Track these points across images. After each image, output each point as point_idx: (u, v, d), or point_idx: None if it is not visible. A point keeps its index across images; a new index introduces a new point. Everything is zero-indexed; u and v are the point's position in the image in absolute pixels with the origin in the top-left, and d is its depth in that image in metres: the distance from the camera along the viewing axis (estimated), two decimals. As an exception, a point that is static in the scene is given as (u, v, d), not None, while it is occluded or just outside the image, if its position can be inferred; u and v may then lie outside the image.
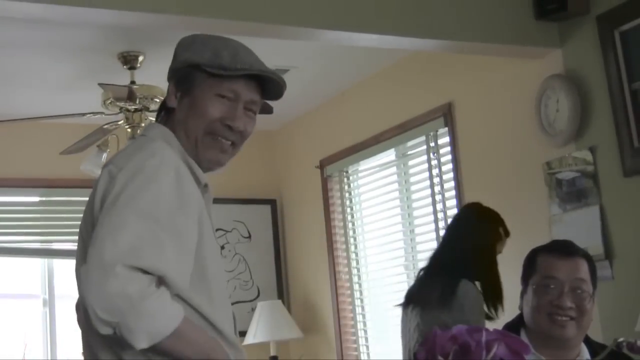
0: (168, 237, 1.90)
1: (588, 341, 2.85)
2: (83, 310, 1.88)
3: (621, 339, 1.69)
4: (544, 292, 2.74)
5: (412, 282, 5.65)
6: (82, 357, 2.10)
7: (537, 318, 2.74)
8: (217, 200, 7.47)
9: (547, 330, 2.72)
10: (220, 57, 2.18)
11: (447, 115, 5.24)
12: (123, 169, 1.99)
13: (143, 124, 5.18)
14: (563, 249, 2.86)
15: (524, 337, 2.74)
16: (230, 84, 2.18)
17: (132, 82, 5.15)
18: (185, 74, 2.19)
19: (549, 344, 2.72)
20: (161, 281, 1.87)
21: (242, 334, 6.31)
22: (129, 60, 5.18)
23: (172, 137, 2.16)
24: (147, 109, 5.14)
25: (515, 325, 2.83)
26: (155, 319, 1.83)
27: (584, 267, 2.79)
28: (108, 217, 1.91)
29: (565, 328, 2.70)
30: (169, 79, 2.24)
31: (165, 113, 2.23)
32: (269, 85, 2.29)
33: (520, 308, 2.87)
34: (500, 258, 4.82)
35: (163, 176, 1.98)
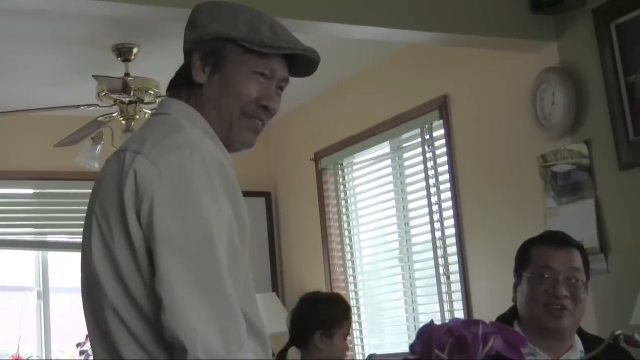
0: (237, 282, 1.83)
1: (581, 333, 2.85)
2: None
3: (618, 332, 1.68)
4: (539, 282, 2.75)
5: (407, 275, 5.69)
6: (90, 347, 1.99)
7: (533, 308, 2.75)
8: (212, 193, 7.35)
9: (543, 320, 2.72)
10: (260, 32, 2.01)
11: (442, 108, 5.24)
12: (162, 172, 1.80)
13: (137, 117, 5.18)
14: (557, 239, 2.87)
15: (517, 329, 2.74)
16: (268, 61, 2.04)
17: (127, 75, 5.14)
18: (216, 48, 2.00)
19: (543, 335, 2.72)
20: None
21: (237, 326, 6.31)
22: (123, 53, 5.17)
23: (198, 116, 1.98)
24: (142, 102, 5.13)
25: (509, 317, 2.83)
26: None
27: (578, 258, 2.80)
28: (186, 277, 1.75)
29: (561, 319, 2.71)
30: (190, 50, 2.02)
31: (187, 88, 2.02)
32: (297, 63, 2.18)
33: (514, 300, 2.87)
34: (496, 251, 4.84)
35: (218, 193, 1.84)
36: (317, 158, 6.44)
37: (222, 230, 1.81)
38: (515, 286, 2.87)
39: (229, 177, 1.89)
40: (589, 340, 2.83)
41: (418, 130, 5.49)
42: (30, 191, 6.56)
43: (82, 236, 1.97)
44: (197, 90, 2.01)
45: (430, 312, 5.42)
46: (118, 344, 1.83)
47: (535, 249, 2.83)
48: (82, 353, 5.84)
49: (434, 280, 5.33)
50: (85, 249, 1.92)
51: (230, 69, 2.01)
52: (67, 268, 6.44)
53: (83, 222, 1.98)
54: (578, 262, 2.79)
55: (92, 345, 1.94)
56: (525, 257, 2.85)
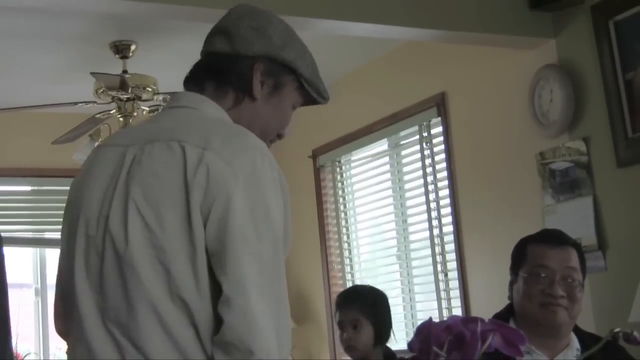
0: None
1: (577, 331, 2.85)
2: None
3: (617, 330, 1.68)
4: (535, 281, 2.74)
5: (404, 272, 5.69)
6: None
7: (529, 307, 2.75)
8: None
9: (539, 318, 2.72)
10: (319, 79, 2.11)
11: (440, 105, 5.23)
12: (237, 172, 1.78)
13: (135, 114, 5.17)
14: (553, 238, 2.87)
15: (513, 327, 2.74)
16: (301, 97, 2.13)
17: (125, 72, 5.14)
18: (280, 72, 2.03)
19: (539, 333, 2.72)
20: None
21: (235, 324, 6.31)
22: (121, 50, 5.17)
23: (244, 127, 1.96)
24: (140, 98, 5.12)
25: (504, 315, 2.83)
26: None
27: (574, 256, 2.80)
28: (259, 280, 1.78)
29: (557, 315, 2.71)
30: (254, 58, 2.01)
31: (234, 93, 2.00)
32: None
33: (510, 298, 2.87)
34: (493, 248, 4.84)
35: (280, 200, 1.87)
36: (315, 155, 6.43)
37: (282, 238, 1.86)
38: (511, 284, 2.87)
39: (285, 185, 1.91)
40: (585, 338, 2.83)
41: (416, 128, 5.48)
42: (28, 188, 6.56)
43: (86, 220, 1.89)
44: (247, 100, 2.02)
45: (428, 310, 5.43)
46: (145, 340, 1.78)
47: (531, 247, 2.83)
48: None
49: (432, 278, 5.33)
50: (112, 233, 1.83)
51: (284, 96, 2.06)
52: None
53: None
54: (574, 261, 2.79)
55: (87, 338, 1.84)
56: (521, 255, 2.85)
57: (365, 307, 3.58)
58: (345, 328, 3.58)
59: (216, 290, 1.76)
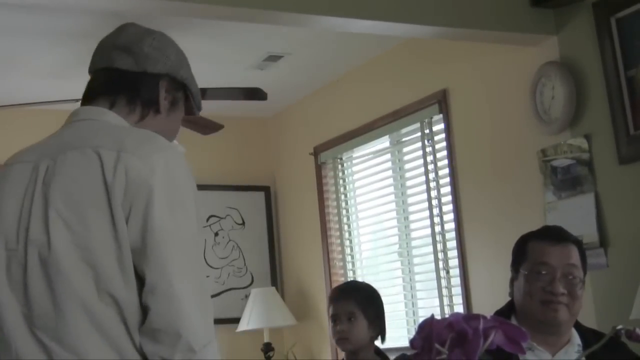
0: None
1: (578, 327, 2.85)
2: None
3: (619, 327, 1.68)
4: (535, 279, 2.74)
5: (406, 269, 5.68)
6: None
7: (530, 304, 2.74)
8: (210, 187, 7.47)
9: (540, 316, 2.72)
10: (198, 94, 2.25)
11: (441, 102, 5.23)
12: (154, 170, 1.89)
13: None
14: (554, 235, 2.86)
15: (514, 324, 2.74)
16: (185, 110, 2.25)
17: (126, 68, 5.13)
18: (177, 88, 2.18)
19: (540, 330, 2.72)
20: None
21: (236, 321, 6.32)
22: (122, 47, 5.16)
23: None
24: (140, 95, 5.12)
25: (506, 312, 2.83)
26: None
27: (575, 253, 2.79)
28: (181, 268, 1.87)
29: (558, 312, 2.71)
30: (159, 76, 2.14)
31: (141, 106, 2.13)
32: None
33: (511, 295, 2.86)
34: (495, 245, 4.84)
35: (194, 194, 1.99)
36: (316, 152, 6.43)
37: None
38: (512, 281, 2.87)
39: (195, 184, 2.01)
40: (587, 335, 2.83)
41: (417, 125, 5.48)
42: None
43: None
44: (151, 114, 2.14)
45: (430, 307, 5.42)
46: (75, 339, 1.85)
47: (531, 244, 2.82)
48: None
49: (433, 275, 5.33)
50: (34, 241, 1.90)
51: (179, 110, 2.20)
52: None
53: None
54: (575, 258, 2.78)
55: (15, 349, 1.89)
56: (521, 252, 2.84)
57: (363, 301, 3.59)
58: (340, 320, 3.58)
59: (139, 283, 1.85)
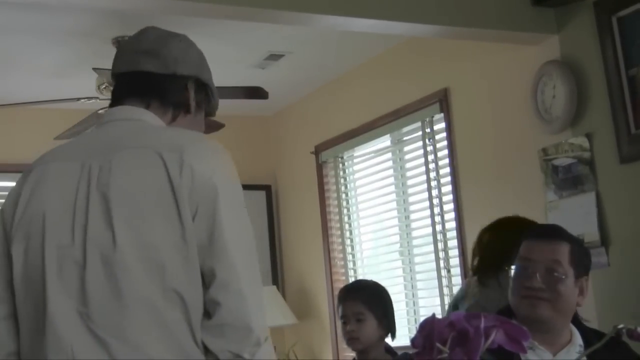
0: None
1: (580, 327, 2.84)
2: None
3: (621, 326, 1.67)
4: (518, 275, 2.74)
5: (407, 268, 5.68)
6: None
7: (513, 301, 2.74)
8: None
9: (521, 311, 2.71)
10: (217, 95, 2.30)
11: (442, 101, 5.23)
12: (216, 171, 1.98)
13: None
14: (543, 232, 2.85)
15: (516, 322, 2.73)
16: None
17: (127, 67, 5.13)
18: (201, 89, 2.23)
19: (531, 329, 2.70)
20: None
21: (237, 319, 6.31)
22: (123, 45, 5.16)
23: None
24: (142, 94, 5.12)
25: (506, 312, 2.82)
26: None
27: (562, 250, 2.74)
28: (247, 264, 1.96)
29: (536, 308, 2.68)
30: (187, 77, 2.19)
31: (174, 108, 2.18)
32: None
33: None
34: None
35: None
36: (317, 151, 6.43)
37: None
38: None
39: None
40: (588, 334, 2.82)
41: (418, 124, 5.48)
42: (30, 184, 6.56)
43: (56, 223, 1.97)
44: (181, 115, 2.20)
45: (431, 306, 5.43)
46: (139, 335, 1.87)
47: (523, 242, 2.81)
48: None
49: (434, 274, 5.33)
50: (95, 239, 1.91)
51: (202, 111, 2.26)
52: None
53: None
54: (560, 254, 2.74)
55: (66, 346, 1.89)
56: (516, 251, 2.84)
57: (370, 300, 3.59)
58: (349, 321, 3.59)
59: (201, 280, 1.91)
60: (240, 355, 1.87)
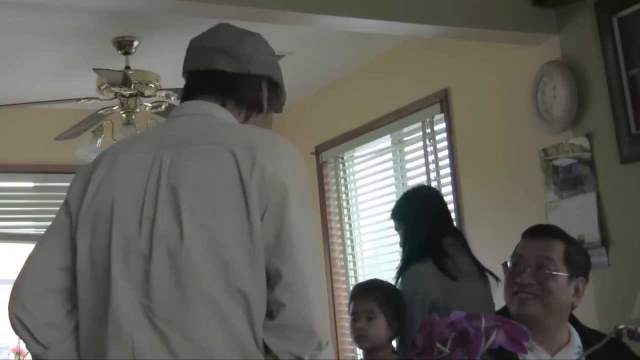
0: None
1: (579, 327, 2.83)
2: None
3: (621, 326, 1.67)
4: (510, 272, 2.73)
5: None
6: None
7: (505, 299, 2.74)
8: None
9: (512, 308, 2.69)
10: (285, 93, 2.33)
11: (443, 101, 5.23)
12: (288, 170, 1.96)
13: (138, 110, 5.17)
14: (536, 230, 2.84)
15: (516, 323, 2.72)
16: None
17: (127, 67, 5.14)
18: (273, 87, 2.25)
19: (529, 328, 2.69)
20: None
21: (237, 320, 6.31)
22: (123, 46, 5.16)
23: None
24: (142, 94, 5.12)
25: (506, 313, 2.81)
26: None
27: (554, 247, 2.72)
28: (312, 267, 1.94)
29: (525, 305, 2.66)
30: (261, 76, 2.20)
31: (247, 108, 2.19)
32: None
33: None
34: (497, 245, 4.83)
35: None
36: (318, 151, 6.43)
37: None
38: None
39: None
40: (587, 335, 2.81)
41: (419, 124, 5.48)
42: (31, 184, 6.55)
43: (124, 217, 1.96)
44: (254, 114, 2.21)
45: (431, 306, 5.41)
46: (200, 332, 1.86)
47: (519, 242, 2.81)
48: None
49: (435, 274, 5.32)
50: (162, 232, 1.91)
51: (272, 110, 2.28)
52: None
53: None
54: (552, 251, 2.71)
55: (128, 338, 1.89)
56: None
57: (382, 300, 3.58)
58: (359, 318, 3.58)
59: (265, 280, 1.90)
60: (302, 357, 1.86)
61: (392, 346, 3.62)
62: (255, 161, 1.92)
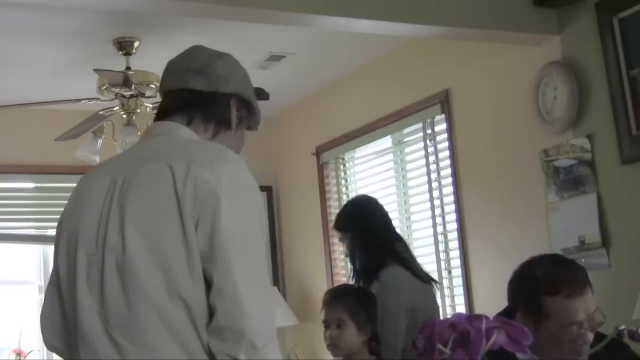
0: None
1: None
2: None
3: (622, 327, 1.67)
4: (567, 333, 2.60)
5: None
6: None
7: (557, 351, 2.56)
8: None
9: (567, 356, 2.62)
10: (259, 111, 2.43)
11: (443, 102, 5.22)
12: (221, 180, 2.04)
13: (138, 110, 5.17)
14: (573, 284, 2.65)
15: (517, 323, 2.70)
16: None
17: (128, 68, 5.13)
18: (244, 105, 2.36)
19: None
20: None
21: (238, 321, 6.30)
22: (124, 46, 5.16)
23: None
24: (143, 95, 5.12)
25: (507, 314, 2.80)
26: None
27: (590, 291, 2.66)
28: (246, 272, 2.00)
29: (582, 351, 2.64)
30: (230, 95, 2.31)
31: (215, 125, 2.30)
32: None
33: (511, 303, 2.81)
34: (497, 245, 4.83)
35: (260, 203, 2.15)
36: (319, 152, 6.43)
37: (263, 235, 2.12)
38: (522, 316, 2.68)
39: (260, 194, 2.18)
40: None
41: (419, 125, 5.48)
42: (31, 185, 6.55)
43: (82, 230, 2.15)
44: (223, 131, 2.31)
45: (432, 307, 5.41)
46: (146, 338, 1.99)
47: (548, 301, 2.61)
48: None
49: (435, 275, 5.32)
50: (110, 247, 2.06)
51: (243, 127, 2.38)
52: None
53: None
54: (592, 298, 2.64)
55: (93, 347, 2.05)
56: (535, 305, 2.64)
57: (351, 307, 3.55)
58: (330, 326, 3.57)
59: (207, 286, 2.00)
60: (236, 357, 1.94)
61: (370, 348, 3.57)
62: (189, 173, 2.03)
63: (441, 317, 3.88)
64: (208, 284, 1.99)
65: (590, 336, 2.61)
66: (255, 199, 2.12)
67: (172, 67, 2.35)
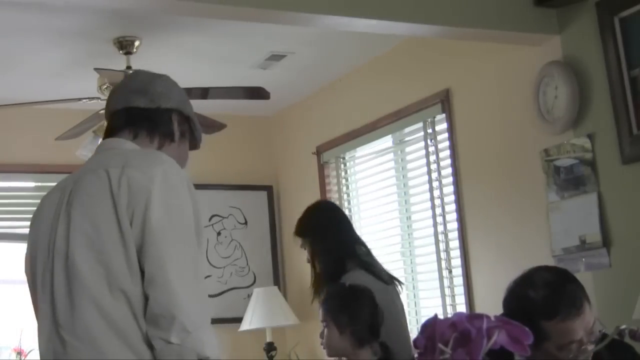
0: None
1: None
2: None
3: (623, 327, 1.67)
4: (567, 352, 2.60)
5: (408, 269, 5.68)
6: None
7: None
8: (213, 187, 7.46)
9: None
10: (200, 130, 2.63)
11: (444, 101, 5.22)
12: (152, 179, 2.23)
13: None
14: (570, 306, 2.62)
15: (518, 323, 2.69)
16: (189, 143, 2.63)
17: (128, 67, 5.13)
18: (184, 121, 2.57)
19: None
20: None
21: (238, 320, 6.31)
22: (125, 46, 5.16)
23: None
24: (143, 95, 5.11)
25: (508, 314, 2.80)
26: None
27: (588, 306, 2.65)
28: (176, 261, 2.17)
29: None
30: (171, 110, 2.52)
31: (160, 137, 2.51)
32: None
33: (508, 309, 2.81)
34: (498, 245, 4.83)
35: (191, 195, 2.31)
36: (319, 151, 6.42)
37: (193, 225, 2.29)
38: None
39: (193, 190, 2.34)
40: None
41: (420, 124, 5.47)
42: (32, 184, 6.54)
43: (35, 235, 2.39)
44: (167, 144, 2.52)
45: (432, 307, 5.42)
46: (87, 331, 2.18)
47: (546, 325, 2.59)
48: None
49: (436, 275, 5.32)
50: (58, 251, 2.27)
51: (186, 140, 2.59)
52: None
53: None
54: (590, 313, 2.63)
55: (47, 343, 2.28)
56: (532, 327, 2.65)
57: (331, 310, 3.54)
58: (322, 327, 3.58)
59: (143, 278, 2.18)
60: (169, 340, 2.10)
61: (372, 351, 3.52)
62: (123, 174, 2.24)
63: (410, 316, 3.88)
64: (144, 275, 2.16)
65: (591, 347, 2.60)
66: (186, 194, 2.27)
67: (116, 91, 2.59)
